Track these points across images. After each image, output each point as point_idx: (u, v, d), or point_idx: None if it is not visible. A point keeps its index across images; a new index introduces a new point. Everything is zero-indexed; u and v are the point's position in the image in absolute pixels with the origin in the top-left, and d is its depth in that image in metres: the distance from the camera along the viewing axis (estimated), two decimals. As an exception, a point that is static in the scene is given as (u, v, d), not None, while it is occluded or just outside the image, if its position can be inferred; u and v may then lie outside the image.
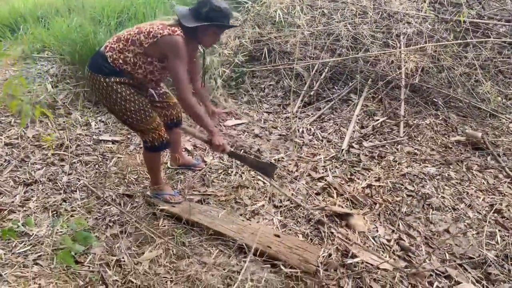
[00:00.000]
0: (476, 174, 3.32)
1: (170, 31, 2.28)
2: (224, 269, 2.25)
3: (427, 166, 3.35)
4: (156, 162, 2.67)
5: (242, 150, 3.36)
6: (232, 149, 2.66)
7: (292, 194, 2.93)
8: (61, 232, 2.44)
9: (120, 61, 2.33)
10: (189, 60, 2.46)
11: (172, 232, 2.50)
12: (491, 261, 2.48)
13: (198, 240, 2.47)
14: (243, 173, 3.13)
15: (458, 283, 2.32)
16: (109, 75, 2.33)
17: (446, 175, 3.26)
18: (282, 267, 2.29)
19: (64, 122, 3.55)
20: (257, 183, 3.04)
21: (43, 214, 2.59)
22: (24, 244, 2.33)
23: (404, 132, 3.79)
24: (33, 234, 2.41)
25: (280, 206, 2.82)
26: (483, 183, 3.22)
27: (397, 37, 4.48)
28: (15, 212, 2.58)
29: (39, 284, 2.08)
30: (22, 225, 2.41)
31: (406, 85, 4.22)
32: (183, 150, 3.22)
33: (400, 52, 4.21)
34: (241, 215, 2.70)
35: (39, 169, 2.98)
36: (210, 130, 2.49)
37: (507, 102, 4.40)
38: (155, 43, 2.29)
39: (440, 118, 4.04)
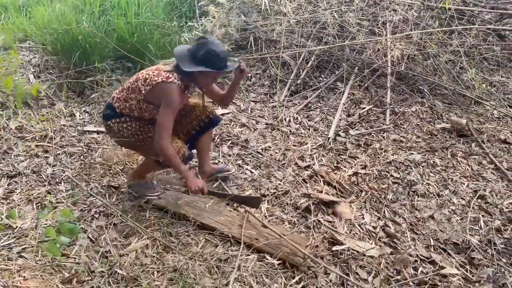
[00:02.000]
0: (461, 161, 3.36)
1: (165, 78, 2.32)
2: (212, 258, 2.26)
3: (412, 154, 3.38)
4: (153, 168, 2.70)
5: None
6: (210, 189, 2.62)
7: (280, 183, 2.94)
8: (46, 224, 2.42)
9: (127, 109, 2.46)
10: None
11: (159, 223, 2.49)
12: (474, 246, 2.53)
13: (184, 230, 2.47)
14: (231, 163, 3.13)
15: (442, 268, 2.36)
16: (114, 117, 2.49)
17: (431, 162, 3.29)
18: (268, 257, 2.31)
19: (47, 113, 3.50)
20: (244, 172, 3.04)
21: (27, 206, 2.56)
22: (8, 237, 2.30)
23: (390, 120, 3.82)
24: (17, 226, 2.38)
25: (267, 195, 2.82)
26: (468, 170, 3.27)
27: (383, 24, 4.48)
28: (-2, 205, 2.55)
29: (24, 276, 2.06)
30: (6, 218, 2.38)
31: (392, 72, 4.24)
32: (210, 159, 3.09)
33: (386, 39, 4.21)
34: (228, 204, 2.70)
35: (22, 161, 2.93)
36: (184, 175, 2.46)
37: (491, 89, 4.44)
38: (151, 90, 2.36)
39: (426, 105, 4.07)
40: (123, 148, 2.95)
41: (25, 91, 3.57)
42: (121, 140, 2.54)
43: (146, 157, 2.69)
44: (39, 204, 2.59)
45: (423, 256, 2.45)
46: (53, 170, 2.89)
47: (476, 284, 2.26)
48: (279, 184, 2.93)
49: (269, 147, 3.36)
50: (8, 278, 2.02)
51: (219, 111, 3.76)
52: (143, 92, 2.38)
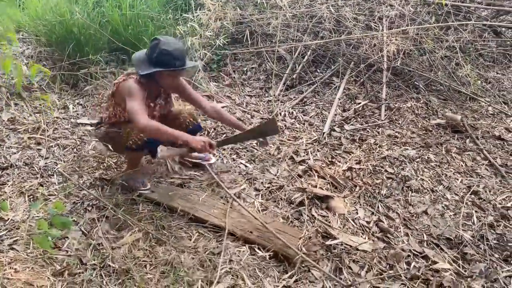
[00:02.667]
0: (455, 157, 3.36)
1: (122, 79, 2.44)
2: (205, 251, 2.25)
3: (407, 149, 3.38)
4: (136, 158, 2.68)
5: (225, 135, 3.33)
6: (217, 140, 2.54)
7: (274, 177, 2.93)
8: (38, 217, 2.39)
9: (108, 117, 2.55)
10: (167, 96, 2.65)
11: (152, 216, 2.48)
12: (467, 242, 2.53)
13: (177, 223, 2.46)
14: (225, 156, 3.11)
15: (435, 263, 2.36)
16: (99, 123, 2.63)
17: (426, 158, 3.29)
18: (261, 251, 2.30)
19: (40, 105, 3.46)
20: (238, 166, 3.03)
21: (19, 198, 2.54)
22: (0, 229, 2.29)
23: (385, 115, 3.81)
24: (8, 219, 2.36)
25: (261, 189, 2.81)
26: (462, 166, 3.27)
27: (379, 20, 4.46)
28: (-11, 197, 2.52)
29: (15, 269, 2.04)
30: (-3, 210, 2.36)
31: (388, 68, 4.23)
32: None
33: (382, 35, 4.20)
34: (221, 197, 2.69)
35: (14, 153, 2.90)
36: (184, 139, 2.37)
37: (486, 85, 4.45)
38: (117, 92, 2.46)
39: (421, 101, 4.07)
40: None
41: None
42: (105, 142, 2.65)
43: (125, 154, 2.72)
44: (31, 196, 2.57)
45: (416, 251, 2.45)
46: (46, 163, 2.86)
47: (468, 279, 2.27)
48: (273, 178, 2.92)
49: (264, 141, 3.34)
50: (-1, 270, 2.01)
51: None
52: (112, 97, 2.50)
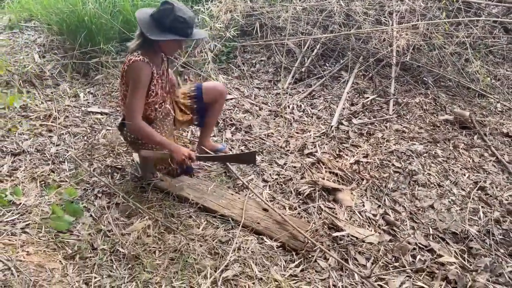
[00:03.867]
0: (462, 153, 3.36)
1: (127, 61, 2.29)
2: (212, 240, 2.28)
3: (414, 144, 3.39)
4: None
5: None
6: (198, 155, 2.51)
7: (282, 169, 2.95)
8: (49, 202, 2.44)
9: (121, 98, 2.46)
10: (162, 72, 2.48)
11: (161, 204, 2.51)
12: (473, 236, 2.55)
13: (186, 212, 2.49)
14: (233, 148, 3.14)
15: (440, 256, 2.38)
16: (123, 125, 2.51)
17: (433, 153, 3.30)
18: (268, 240, 2.33)
19: (52, 93, 3.50)
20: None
21: (31, 184, 2.58)
22: (12, 213, 2.33)
23: (393, 110, 3.82)
24: (21, 203, 2.40)
25: (269, 181, 2.84)
26: (469, 161, 3.28)
27: (389, 14, 4.45)
28: (2, 182, 2.56)
29: (27, 251, 2.08)
30: (10, 194, 2.40)
31: (397, 63, 4.23)
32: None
33: (392, 29, 4.19)
34: (229, 187, 2.72)
35: (26, 140, 2.95)
36: (170, 148, 2.42)
37: (495, 82, 4.44)
38: (125, 79, 2.33)
39: (430, 97, 4.06)
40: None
41: (30, 70, 3.58)
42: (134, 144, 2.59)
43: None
44: (43, 182, 2.61)
45: (422, 244, 2.47)
46: (57, 150, 2.90)
47: (474, 273, 2.29)
48: (281, 170, 2.95)
49: (272, 133, 3.37)
50: (12, 253, 2.05)
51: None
52: (123, 85, 2.38)
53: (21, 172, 2.66)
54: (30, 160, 2.78)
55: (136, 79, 2.26)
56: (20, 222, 2.28)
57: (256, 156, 2.40)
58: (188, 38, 2.30)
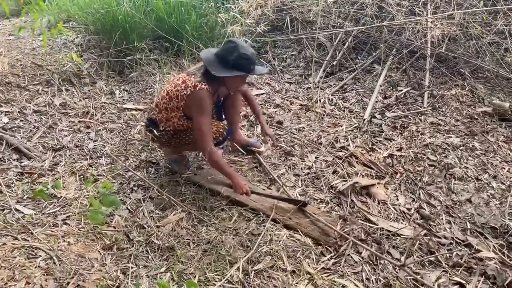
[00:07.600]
0: (502, 145, 3.25)
1: (192, 88, 2.40)
2: (244, 232, 2.31)
3: (451, 137, 3.30)
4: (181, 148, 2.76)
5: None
6: (253, 190, 2.59)
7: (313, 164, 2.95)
8: (87, 195, 2.53)
9: (171, 128, 2.58)
10: (226, 101, 2.70)
11: (194, 197, 2.56)
12: (513, 231, 2.46)
13: (218, 205, 2.53)
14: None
15: (478, 251, 2.32)
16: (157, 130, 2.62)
17: (470, 146, 3.21)
18: (299, 235, 2.33)
19: (89, 91, 3.62)
20: (278, 153, 3.06)
21: (71, 178, 2.69)
22: (53, 206, 2.44)
23: (428, 102, 3.73)
24: (61, 196, 2.51)
25: (301, 175, 2.84)
26: (509, 154, 3.16)
27: (424, 5, 4.34)
28: (44, 176, 2.68)
29: (68, 242, 2.18)
30: (52, 188, 2.51)
31: (431, 54, 4.11)
32: (240, 128, 3.16)
33: (427, 20, 4.08)
34: (259, 181, 2.73)
35: (66, 136, 3.07)
36: (233, 180, 2.51)
37: (538, 72, 4.24)
38: (186, 104, 2.45)
39: (466, 88, 3.93)
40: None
41: (68, 69, 3.72)
42: (165, 144, 2.70)
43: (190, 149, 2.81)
44: (82, 176, 2.71)
45: (459, 239, 2.41)
46: (94, 145, 3.01)
47: (514, 268, 2.21)
48: (313, 164, 2.94)
49: (303, 128, 3.36)
50: (54, 243, 2.15)
51: (254, 91, 3.79)
52: (180, 108, 2.49)
53: (61, 166, 2.78)
54: (69, 155, 2.89)
55: (203, 106, 2.41)
56: (61, 214, 2.38)
57: (306, 204, 2.49)
58: (251, 74, 2.43)
